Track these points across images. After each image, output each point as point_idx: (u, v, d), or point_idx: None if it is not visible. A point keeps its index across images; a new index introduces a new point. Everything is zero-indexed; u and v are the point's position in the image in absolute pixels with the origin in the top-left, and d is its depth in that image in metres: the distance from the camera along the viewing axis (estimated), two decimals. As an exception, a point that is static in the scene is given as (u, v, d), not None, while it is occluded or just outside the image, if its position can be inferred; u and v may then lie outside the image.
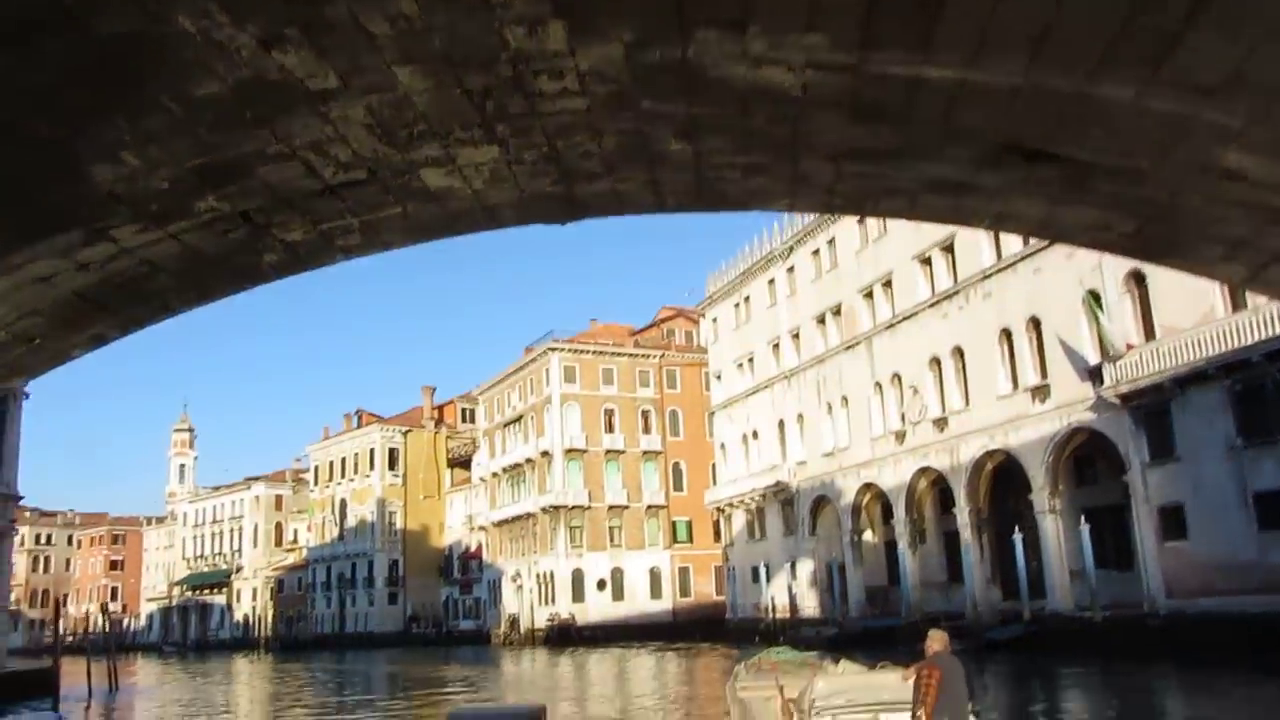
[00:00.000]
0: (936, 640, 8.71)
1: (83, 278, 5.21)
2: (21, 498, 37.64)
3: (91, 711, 32.09)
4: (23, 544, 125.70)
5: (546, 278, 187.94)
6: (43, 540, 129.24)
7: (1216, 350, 27.82)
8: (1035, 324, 35.55)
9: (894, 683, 9.01)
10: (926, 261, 41.60)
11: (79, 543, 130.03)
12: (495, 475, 74.81)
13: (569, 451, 66.17)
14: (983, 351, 37.91)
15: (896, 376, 43.37)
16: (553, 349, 66.96)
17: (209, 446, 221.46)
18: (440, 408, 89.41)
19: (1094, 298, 31.56)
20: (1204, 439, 28.52)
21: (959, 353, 39.48)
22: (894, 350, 43.40)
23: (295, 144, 4.35)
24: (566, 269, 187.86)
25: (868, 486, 45.58)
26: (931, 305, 40.94)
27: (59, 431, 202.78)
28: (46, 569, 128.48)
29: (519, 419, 71.74)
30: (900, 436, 42.91)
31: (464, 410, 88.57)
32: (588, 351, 67.77)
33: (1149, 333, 31.11)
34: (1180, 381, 28.96)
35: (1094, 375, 32.76)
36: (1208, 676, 24.60)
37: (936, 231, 40.51)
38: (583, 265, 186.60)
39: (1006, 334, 36.92)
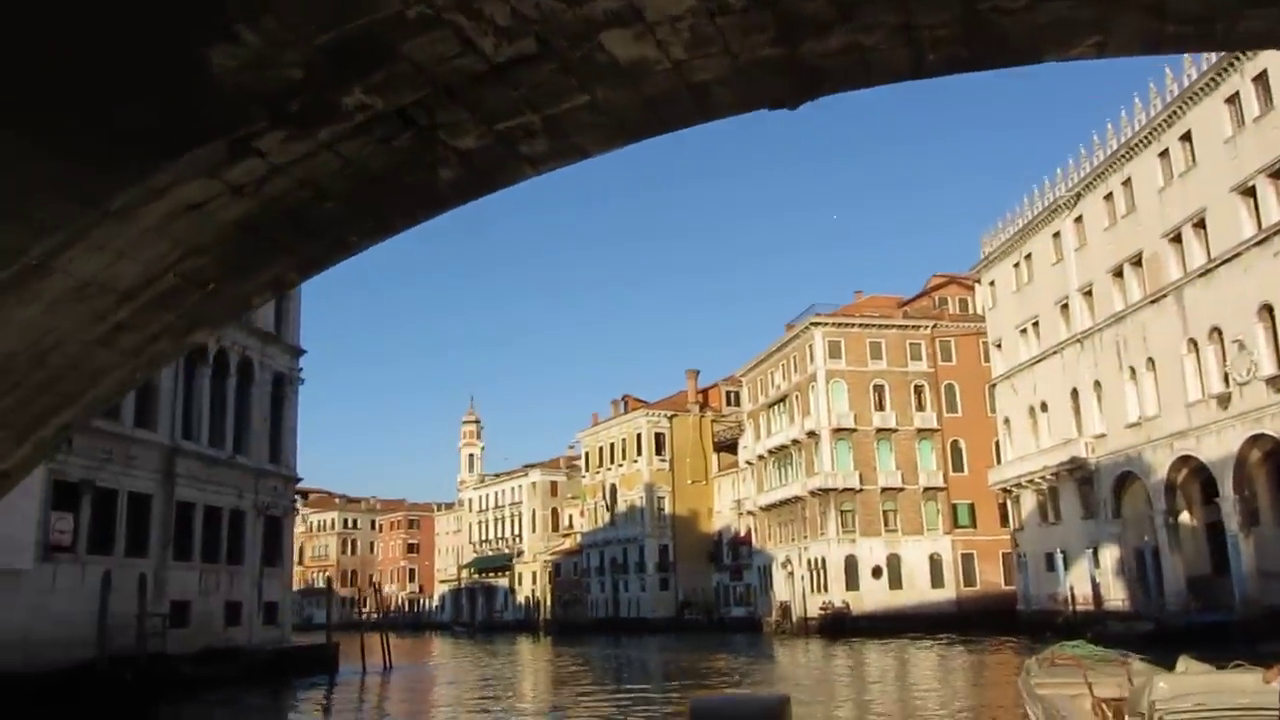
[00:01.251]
0: None
1: (240, 205, 4.85)
2: (300, 479, 39.35)
3: (342, 692, 32.56)
4: (333, 528, 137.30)
5: (807, 247, 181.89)
6: (350, 525, 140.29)
7: None
8: (1403, 254, 28.94)
9: (1253, 685, 7.77)
10: (1249, 192, 35.21)
11: (380, 527, 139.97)
12: (761, 458, 72.57)
13: (837, 431, 62.80)
14: (1331, 293, 31.46)
15: (1216, 331, 37.14)
16: (815, 324, 63.77)
17: (494, 437, 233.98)
18: (704, 391, 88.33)
19: None
20: None
21: (1299, 296, 33.09)
22: (1211, 301, 37.19)
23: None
24: (830, 236, 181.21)
25: (1184, 460, 39.48)
26: (1259, 243, 34.58)
27: (367, 424, 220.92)
28: (354, 551, 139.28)
29: (783, 399, 69.09)
30: (1224, 401, 36.69)
31: (728, 393, 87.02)
32: (853, 325, 64.06)
33: None
34: None
35: None
36: None
37: (1261, 155, 34.26)
38: (846, 231, 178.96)
39: (1363, 269, 30.39)
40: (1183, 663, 9.50)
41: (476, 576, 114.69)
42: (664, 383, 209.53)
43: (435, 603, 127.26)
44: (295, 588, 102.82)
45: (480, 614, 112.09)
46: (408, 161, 4.85)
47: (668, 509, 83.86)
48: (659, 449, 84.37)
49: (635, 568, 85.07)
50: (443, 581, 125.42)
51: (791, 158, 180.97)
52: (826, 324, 63.80)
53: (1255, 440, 35.45)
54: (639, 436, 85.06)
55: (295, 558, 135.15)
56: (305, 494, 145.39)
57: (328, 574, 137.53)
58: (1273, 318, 34.26)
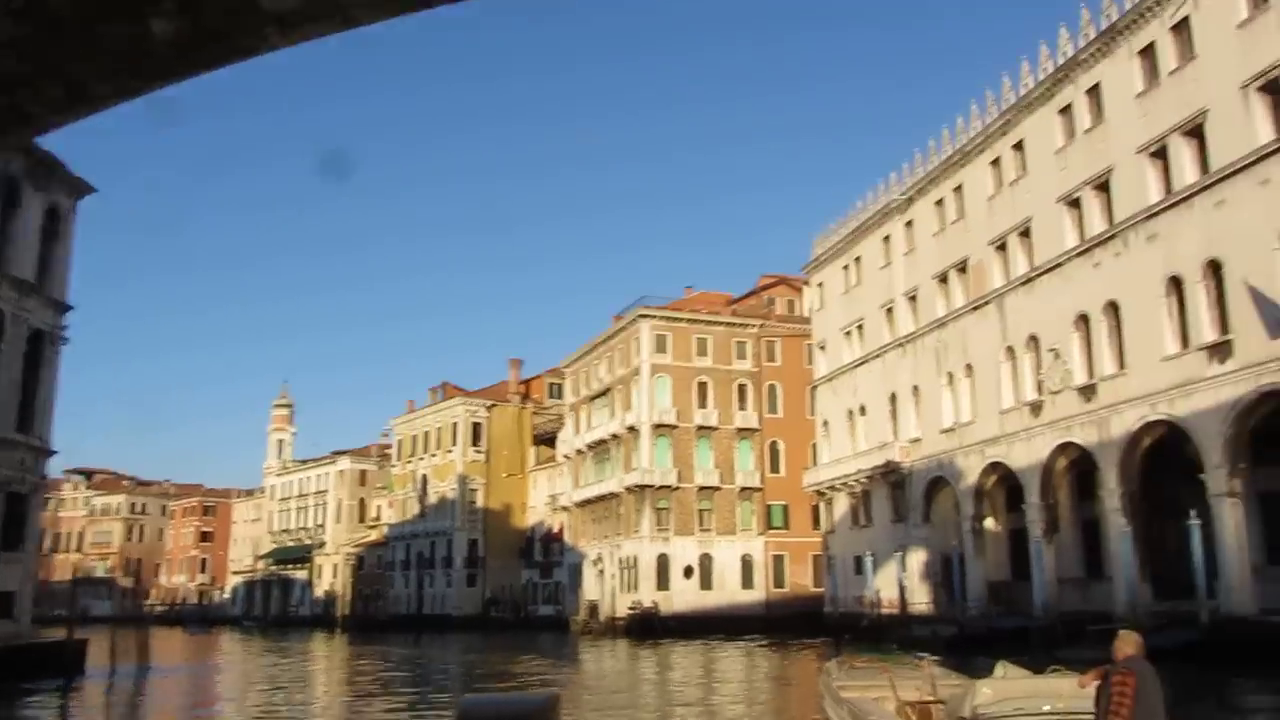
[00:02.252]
0: (1129, 643, 7.30)
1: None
2: (55, 452, 34.40)
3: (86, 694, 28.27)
4: (119, 512, 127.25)
5: (640, 242, 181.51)
6: (138, 509, 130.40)
7: None
8: (1214, 269, 29.45)
9: (1069, 690, 7.99)
10: (1074, 203, 35.65)
11: (172, 513, 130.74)
12: (579, 452, 70.63)
13: (658, 427, 61.48)
14: (1144, 305, 31.91)
15: (1033, 339, 37.50)
16: (643, 316, 62.33)
17: (309, 424, 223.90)
18: (527, 382, 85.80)
19: (1303, 227, 25.43)
20: None
21: (1113, 308, 33.51)
22: (1031, 309, 37.54)
23: None
24: (660, 233, 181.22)
25: (994, 467, 39.78)
26: (1080, 254, 35.00)
27: (174, 406, 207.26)
28: (141, 538, 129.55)
29: (606, 392, 67.39)
30: (1036, 409, 37.04)
31: (551, 385, 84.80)
32: (681, 319, 62.96)
33: (1373, 272, 24.93)
34: None
35: (1294, 327, 26.63)
36: None
37: (1089, 167, 34.65)
38: (677, 230, 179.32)
39: (1175, 283, 30.87)
40: (1001, 668, 9.34)
41: (274, 568, 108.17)
42: (487, 372, 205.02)
43: (227, 595, 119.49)
44: (69, 576, 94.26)
45: (275, 608, 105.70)
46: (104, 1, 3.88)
47: (480, 502, 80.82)
48: (475, 440, 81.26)
49: (442, 562, 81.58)
50: (237, 573, 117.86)
51: (630, 153, 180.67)
52: (654, 317, 62.47)
53: (1063, 449, 35.86)
54: (455, 426, 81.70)
55: (74, 544, 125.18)
56: (89, 474, 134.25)
57: (110, 562, 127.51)
58: (1088, 328, 34.68)
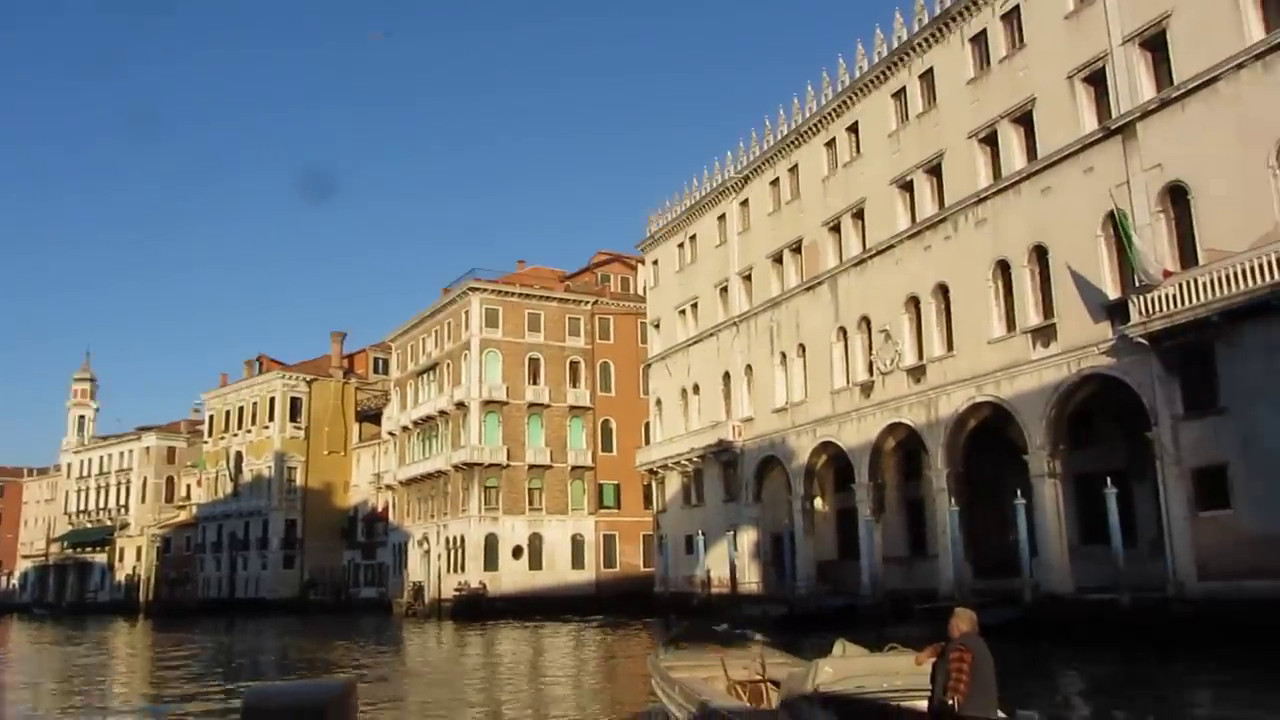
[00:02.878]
0: (964, 619, 7.29)
1: None
2: None
3: None
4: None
5: (473, 220, 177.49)
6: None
7: (1278, 277, 22.50)
8: (1039, 254, 30.10)
9: (907, 667, 7.96)
10: (906, 186, 35.95)
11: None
12: (406, 429, 68.01)
13: (487, 403, 59.65)
14: (972, 288, 32.42)
15: (865, 320, 37.76)
16: (474, 289, 60.22)
17: (115, 398, 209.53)
18: (351, 356, 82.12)
19: (1123, 216, 26.04)
20: (1260, 385, 23.24)
21: (942, 291, 33.96)
22: (863, 290, 37.77)
23: None
24: (493, 212, 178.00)
25: (824, 446, 40.01)
26: (911, 236, 35.33)
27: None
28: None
29: (434, 367, 64.96)
30: (866, 389, 37.35)
31: (377, 360, 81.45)
32: (513, 294, 61.18)
33: (1184, 260, 25.79)
34: (1233, 315, 23.62)
35: (1113, 312, 27.40)
36: (1256, 674, 19.36)
37: (921, 151, 34.94)
38: (511, 208, 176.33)
39: (1003, 267, 31.45)
40: (839, 646, 9.25)
41: (70, 552, 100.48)
42: (308, 346, 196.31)
43: (15, 581, 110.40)
44: None
45: (71, 594, 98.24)
46: None
47: (299, 480, 76.95)
48: (294, 415, 77.22)
49: (257, 544, 77.35)
50: (27, 557, 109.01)
51: (462, 132, 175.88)
52: (485, 290, 60.46)
53: (892, 429, 36.27)
54: (273, 400, 77.39)
55: None
56: None
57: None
58: (918, 310, 35.07)
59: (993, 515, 34.02)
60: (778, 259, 43.66)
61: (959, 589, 29.95)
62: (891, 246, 36.19)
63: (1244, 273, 23.24)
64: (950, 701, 7.02)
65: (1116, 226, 27.54)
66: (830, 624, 34.03)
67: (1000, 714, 7.23)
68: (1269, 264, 22.70)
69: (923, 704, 7.64)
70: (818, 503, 42.17)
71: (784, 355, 42.70)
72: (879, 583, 35.17)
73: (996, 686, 7.15)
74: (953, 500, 32.92)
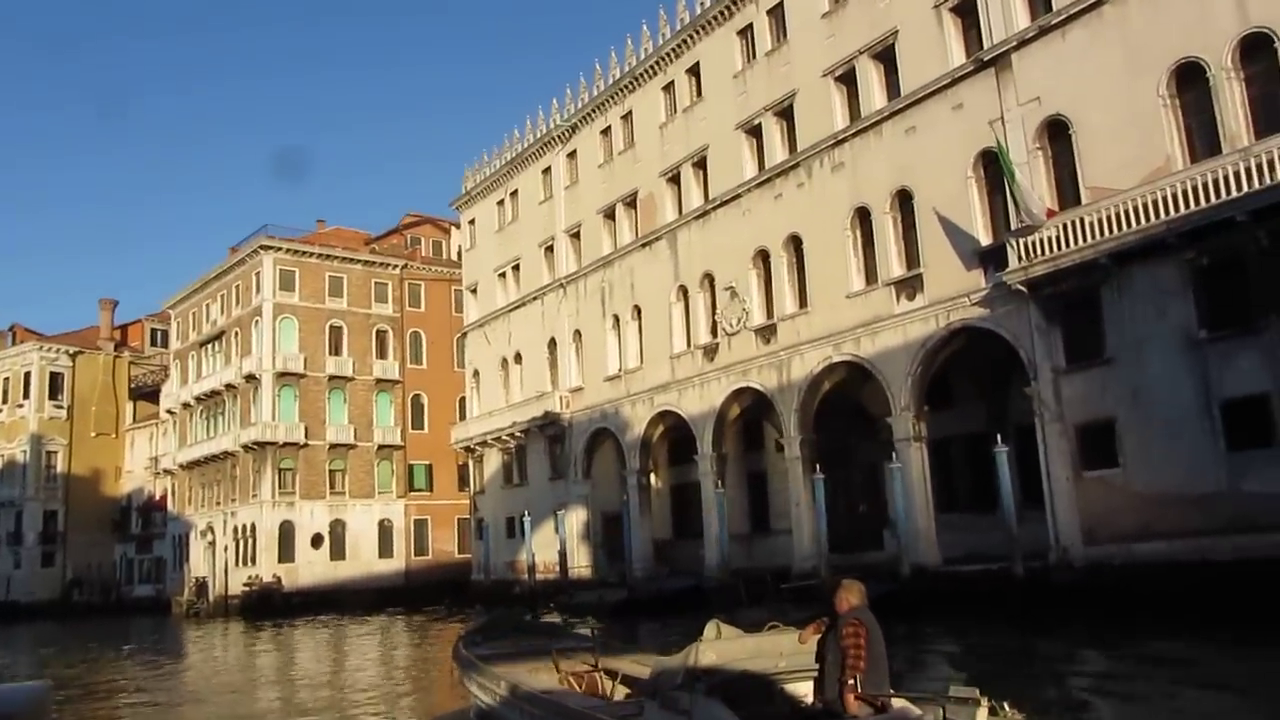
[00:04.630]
0: (854, 592, 6.90)
1: None
2: None
3: None
4: None
5: (264, 178, 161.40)
6: None
7: (1175, 214, 20.70)
8: (903, 199, 27.79)
9: (791, 646, 7.45)
10: (754, 131, 33.13)
11: None
12: (187, 406, 60.70)
13: (282, 376, 53.49)
14: (828, 239, 29.87)
15: (708, 277, 34.79)
16: (266, 247, 53.86)
17: None
18: (123, 328, 73.25)
19: (1004, 151, 23.84)
20: (1150, 333, 21.46)
21: (794, 243, 31.32)
22: (706, 245, 34.77)
23: None
24: (292, 168, 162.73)
25: (663, 416, 36.87)
26: (760, 185, 32.54)
27: None
28: None
29: (220, 336, 58.03)
30: (710, 352, 34.40)
31: (154, 332, 73.04)
32: (311, 255, 55.13)
33: (1063, 201, 23.88)
34: (1121, 257, 21.75)
35: (986, 260, 25.31)
36: (1146, 645, 17.41)
37: (770, 93, 32.16)
38: (311, 164, 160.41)
39: (862, 215, 29.02)
40: (713, 628, 8.07)
41: None
42: (72, 316, 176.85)
43: None
44: None
45: None
46: None
47: (61, 467, 67.84)
48: (55, 393, 67.95)
49: (9, 539, 67.61)
50: None
51: (235, 72, 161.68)
52: (280, 249, 54.22)
53: (738, 395, 33.46)
54: (27, 376, 67.82)
55: None
56: None
57: None
58: (767, 264, 32.35)
59: (841, 486, 31.81)
60: (610, 214, 40.17)
61: (822, 565, 27.28)
62: (738, 196, 33.31)
63: (1135, 210, 21.36)
64: (851, 680, 6.62)
65: (988, 167, 25.54)
66: (674, 608, 31.01)
67: (890, 690, 6.83)
68: (1163, 200, 20.87)
69: (808, 684, 7.33)
70: (653, 478, 39.06)
71: (617, 318, 39.28)
72: (724, 562, 32.28)
73: (887, 661, 6.86)
74: (817, 468, 30.37)
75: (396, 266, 57.61)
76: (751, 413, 34.66)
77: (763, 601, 28.58)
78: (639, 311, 38.16)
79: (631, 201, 38.88)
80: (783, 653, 7.49)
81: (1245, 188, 19.50)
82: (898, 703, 6.65)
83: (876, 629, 6.80)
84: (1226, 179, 19.81)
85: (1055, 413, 23.30)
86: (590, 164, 41.45)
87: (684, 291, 35.85)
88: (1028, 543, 23.74)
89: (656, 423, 37.31)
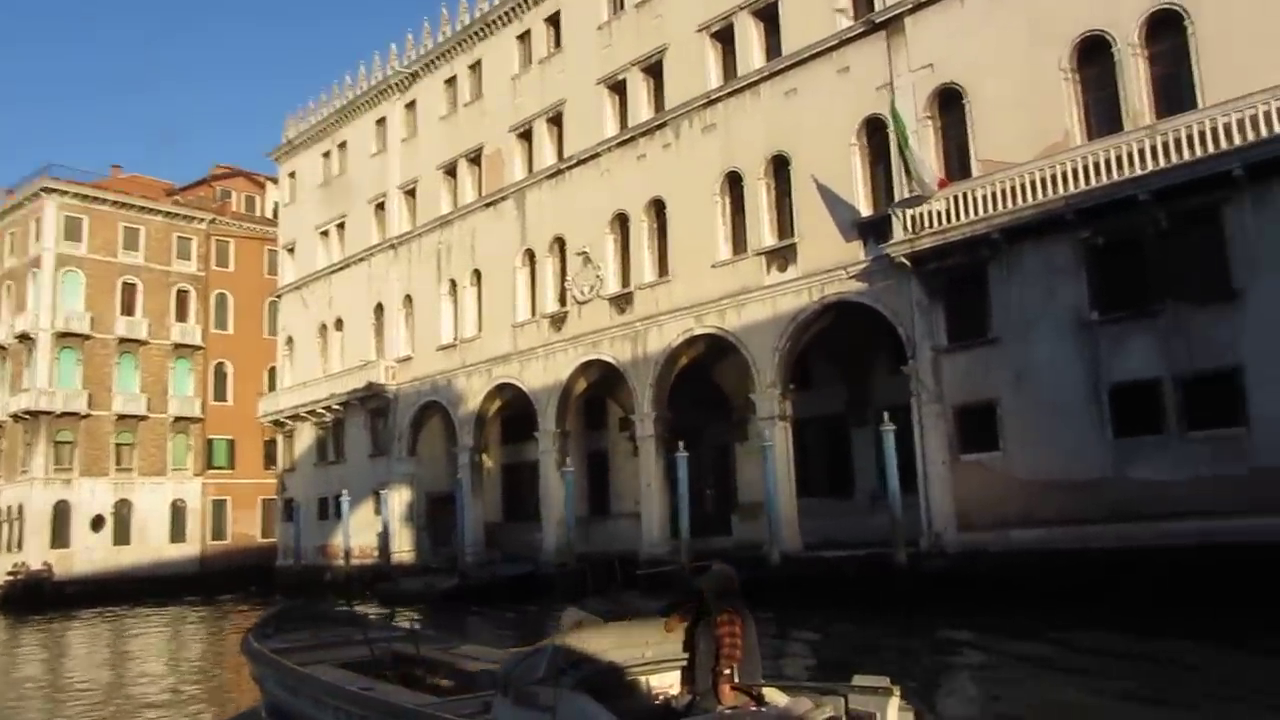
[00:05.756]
0: (728, 580, 6.62)
1: None
2: None
3: None
4: None
5: (51, 116, 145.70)
6: None
7: (1072, 190, 19.84)
8: (779, 165, 26.22)
9: (657, 636, 6.96)
10: (618, 87, 30.94)
11: None
12: (-56, 367, 53.22)
13: (63, 336, 47.41)
14: (695, 204, 28.01)
15: (559, 241, 32.37)
16: (49, 190, 47.60)
17: None
18: None
19: (898, 115, 22.50)
20: (1039, 313, 20.56)
21: (657, 207, 29.34)
22: (558, 206, 32.34)
23: None
24: (81, 109, 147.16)
25: (501, 389, 34.19)
26: (621, 144, 30.39)
27: None
28: None
29: (-12, 288, 51.10)
30: (558, 321, 31.99)
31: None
32: (104, 201, 49.14)
33: (951, 173, 22.80)
34: (1013, 234, 20.77)
35: (866, 232, 24.01)
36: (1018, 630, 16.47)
37: (638, 46, 30.05)
38: (104, 106, 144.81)
39: (733, 179, 27.30)
40: (571, 616, 7.41)
41: None
42: None
43: None
44: None
45: None
46: None
47: None
48: None
49: None
50: None
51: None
52: (66, 193, 48.07)
53: (586, 368, 31.21)
54: None
55: None
56: None
57: None
58: (625, 230, 30.23)
59: (689, 467, 30.05)
60: (451, 171, 37.12)
61: (683, 550, 25.34)
62: (596, 156, 31.04)
63: (1032, 185, 20.41)
64: (727, 670, 6.37)
65: (873, 135, 24.27)
66: (511, 595, 28.61)
67: (763, 680, 6.60)
68: (1062, 175, 19.98)
69: (675, 675, 6.94)
70: (487, 456, 36.34)
71: (454, 283, 36.30)
72: (568, 546, 29.99)
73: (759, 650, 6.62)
74: (681, 446, 28.46)
75: (203, 220, 52.20)
76: (596, 388, 32.53)
77: (610, 589, 26.56)
78: (479, 276, 35.32)
79: (476, 157, 35.97)
80: (649, 643, 6.95)
81: (1149, 166, 18.77)
82: (772, 693, 6.43)
83: (750, 618, 6.56)
84: (1130, 156, 19.06)
85: (934, 393, 22.18)
86: (431, 116, 38.22)
87: (531, 256, 33.31)
88: (880, 529, 22.71)
89: (494, 396, 34.61)
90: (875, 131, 24.14)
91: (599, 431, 34.78)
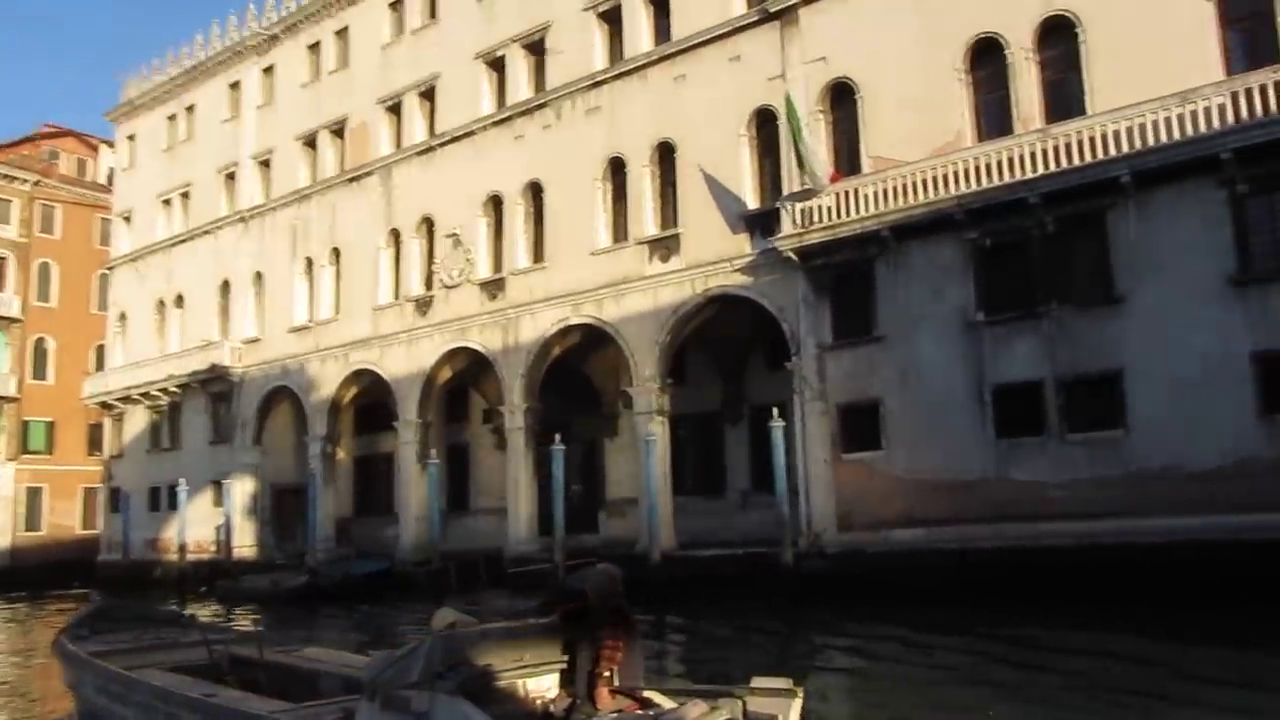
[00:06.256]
0: (610, 579, 6.39)
1: None
2: None
3: None
4: None
5: None
6: None
7: (962, 190, 19.83)
8: (665, 152, 25.50)
9: (535, 638, 6.61)
10: (497, 63, 29.65)
11: None
12: None
13: None
14: (575, 189, 27.01)
15: (427, 222, 30.81)
16: None
17: None
18: None
19: (792, 107, 22.05)
20: (925, 312, 20.47)
21: (534, 190, 28.21)
22: (428, 185, 30.77)
23: None
24: None
25: (359, 376, 32.36)
26: (498, 123, 29.11)
27: None
28: None
29: None
30: (424, 306, 30.43)
31: None
32: (-91, 154, 44.46)
33: (841, 169, 22.55)
34: (902, 232, 20.63)
35: (753, 225, 23.56)
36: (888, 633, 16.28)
37: (521, 22, 28.86)
38: None
39: (617, 165, 26.44)
40: (444, 615, 6.65)
41: None
42: None
43: None
44: None
45: None
46: None
47: None
48: None
49: None
50: None
51: None
52: None
53: (452, 356, 29.77)
54: None
55: None
56: None
57: None
58: (499, 213, 28.96)
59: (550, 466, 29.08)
60: (311, 142, 34.99)
61: (557, 548, 24.21)
62: (471, 134, 29.67)
63: (924, 183, 20.31)
64: (608, 673, 6.28)
65: (763, 127, 23.88)
66: (366, 595, 26.95)
67: (642, 684, 6.47)
68: (954, 175, 19.94)
69: (553, 679, 6.54)
70: (341, 447, 34.36)
71: (311, 261, 34.20)
72: (427, 543, 28.48)
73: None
74: (526, 442, 27.40)
75: (26, 182, 47.76)
76: (461, 378, 31.14)
77: (476, 588, 25.40)
78: (338, 255, 33.37)
79: (340, 130, 33.98)
80: (527, 645, 6.60)
81: (1040, 170, 18.88)
82: (658, 697, 6.26)
83: (633, 619, 6.41)
84: (1021, 159, 19.13)
85: (818, 391, 21.86)
86: (291, 83, 35.93)
87: (396, 236, 31.62)
88: (772, 529, 22.31)
89: (350, 383, 32.73)
90: (766, 123, 23.73)
91: (460, 424, 33.32)
